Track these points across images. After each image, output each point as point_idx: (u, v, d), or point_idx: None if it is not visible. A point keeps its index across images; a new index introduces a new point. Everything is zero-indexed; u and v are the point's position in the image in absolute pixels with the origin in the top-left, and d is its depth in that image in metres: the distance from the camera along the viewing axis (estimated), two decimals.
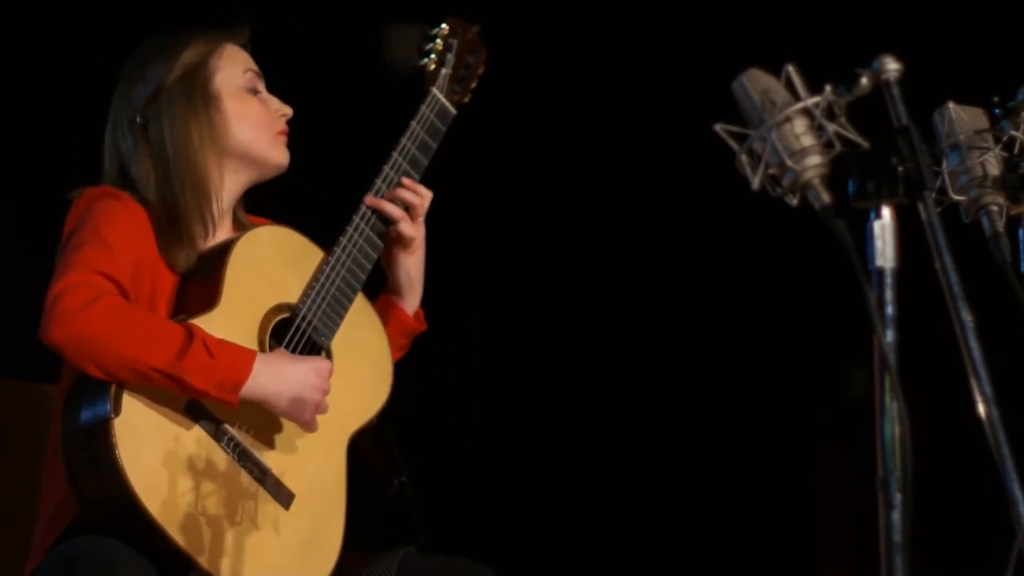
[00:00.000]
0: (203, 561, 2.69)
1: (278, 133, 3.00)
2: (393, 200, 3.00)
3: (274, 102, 3.02)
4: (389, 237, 3.02)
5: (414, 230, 3.02)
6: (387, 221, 2.98)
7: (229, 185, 2.98)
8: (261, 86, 3.02)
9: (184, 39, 2.98)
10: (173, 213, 2.90)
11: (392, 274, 3.07)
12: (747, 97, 2.18)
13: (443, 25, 3.12)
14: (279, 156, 3.00)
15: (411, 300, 3.08)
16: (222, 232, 2.98)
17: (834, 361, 4.81)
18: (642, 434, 5.04)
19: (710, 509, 5.02)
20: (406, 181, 3.01)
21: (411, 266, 3.06)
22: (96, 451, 2.67)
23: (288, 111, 3.02)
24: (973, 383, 2.16)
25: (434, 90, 3.05)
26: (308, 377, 2.79)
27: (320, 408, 2.81)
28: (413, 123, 3.02)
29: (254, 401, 2.76)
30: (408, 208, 3.01)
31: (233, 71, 2.99)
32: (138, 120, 2.93)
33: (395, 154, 3.00)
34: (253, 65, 3.03)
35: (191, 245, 2.89)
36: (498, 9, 3.18)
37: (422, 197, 3.02)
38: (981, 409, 2.15)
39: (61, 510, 2.76)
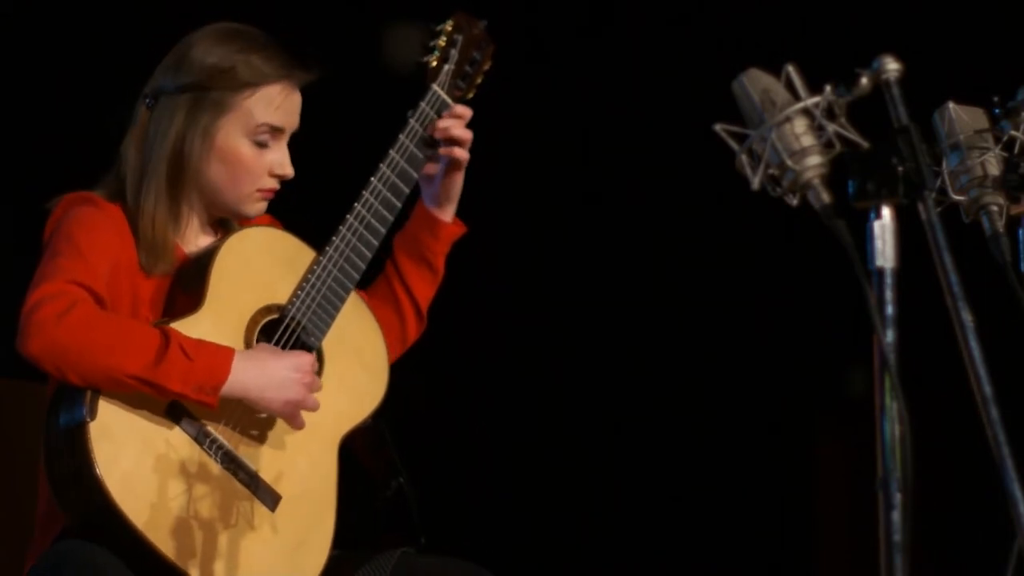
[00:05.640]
0: (188, 567, 2.67)
1: (259, 190, 2.90)
2: (435, 134, 2.99)
3: (276, 158, 2.90)
4: (437, 161, 3.01)
5: (463, 154, 3.02)
6: (399, 192, 2.94)
7: (199, 211, 2.92)
8: (276, 139, 2.90)
9: (246, 48, 2.88)
10: (141, 215, 2.86)
11: (439, 192, 3.04)
12: (747, 97, 2.18)
13: (448, 20, 3.07)
14: (247, 210, 2.91)
15: (451, 210, 3.06)
16: (204, 238, 2.94)
17: (834, 361, 4.80)
18: (642, 434, 5.04)
19: (710, 509, 5.02)
20: (455, 111, 3.00)
21: (458, 180, 3.04)
22: (73, 456, 2.66)
23: (288, 173, 2.91)
24: (973, 383, 2.16)
25: (435, 86, 3.01)
26: (289, 372, 2.75)
27: (305, 403, 2.78)
28: (412, 120, 2.98)
29: (235, 399, 2.74)
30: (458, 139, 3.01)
31: (251, 117, 2.87)
32: (147, 101, 2.89)
33: (393, 152, 2.95)
34: (279, 120, 2.89)
35: (151, 249, 2.84)
36: (496, 8, 3.17)
37: (465, 119, 3.02)
38: (981, 409, 2.15)
39: (57, 510, 2.75)
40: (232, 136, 2.88)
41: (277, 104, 2.90)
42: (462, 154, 3.00)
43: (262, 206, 2.94)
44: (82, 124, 4.23)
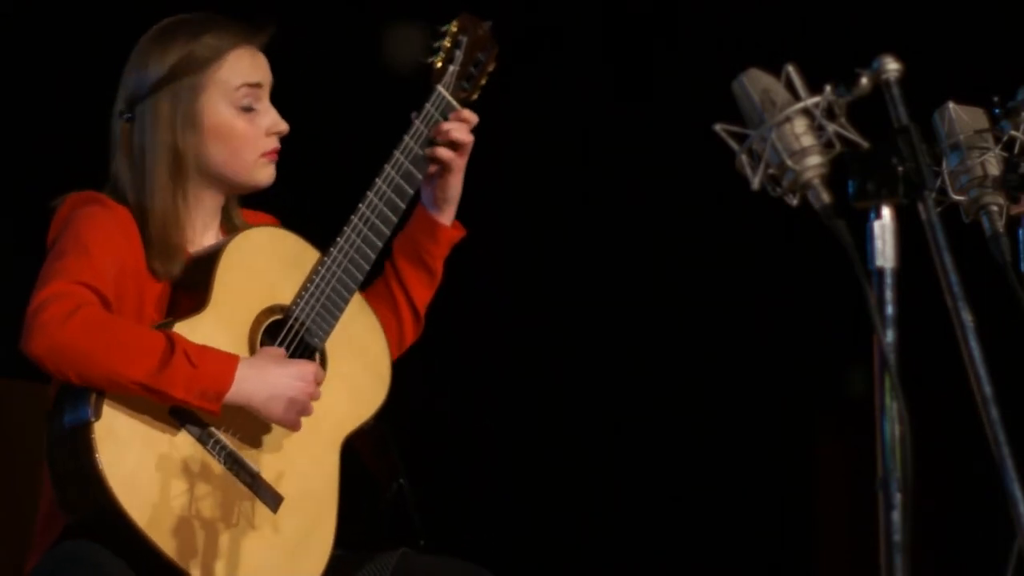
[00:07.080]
0: (189, 567, 2.67)
1: (263, 154, 2.90)
2: (437, 136, 2.97)
3: (268, 119, 2.90)
4: (434, 164, 2.98)
5: (463, 158, 3.00)
6: (403, 193, 2.94)
7: (206, 200, 2.91)
8: (259, 99, 2.91)
9: (196, 32, 2.88)
10: (147, 220, 2.85)
11: (437, 194, 3.02)
12: (747, 97, 2.18)
13: (453, 21, 3.05)
14: (258, 177, 2.91)
15: (450, 213, 3.04)
16: (209, 236, 2.94)
17: (834, 361, 4.81)
18: (642, 434, 5.04)
19: (710, 509, 5.02)
20: (462, 115, 2.98)
21: (457, 183, 3.02)
22: (77, 456, 2.65)
23: (283, 128, 2.91)
24: (973, 383, 2.16)
25: (439, 88, 2.99)
26: (292, 381, 2.75)
27: (305, 412, 2.78)
28: (417, 122, 2.97)
29: (237, 406, 2.73)
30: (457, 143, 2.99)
31: (228, 85, 2.87)
32: (124, 116, 2.88)
33: (397, 153, 2.94)
34: (254, 76, 2.91)
35: (164, 254, 2.84)
36: (497, 7, 3.17)
37: (470, 124, 3.00)
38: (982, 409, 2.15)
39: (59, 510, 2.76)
40: (218, 112, 2.88)
41: (246, 63, 2.90)
42: (450, 156, 2.98)
43: (271, 170, 2.93)
44: (82, 125, 4.23)
